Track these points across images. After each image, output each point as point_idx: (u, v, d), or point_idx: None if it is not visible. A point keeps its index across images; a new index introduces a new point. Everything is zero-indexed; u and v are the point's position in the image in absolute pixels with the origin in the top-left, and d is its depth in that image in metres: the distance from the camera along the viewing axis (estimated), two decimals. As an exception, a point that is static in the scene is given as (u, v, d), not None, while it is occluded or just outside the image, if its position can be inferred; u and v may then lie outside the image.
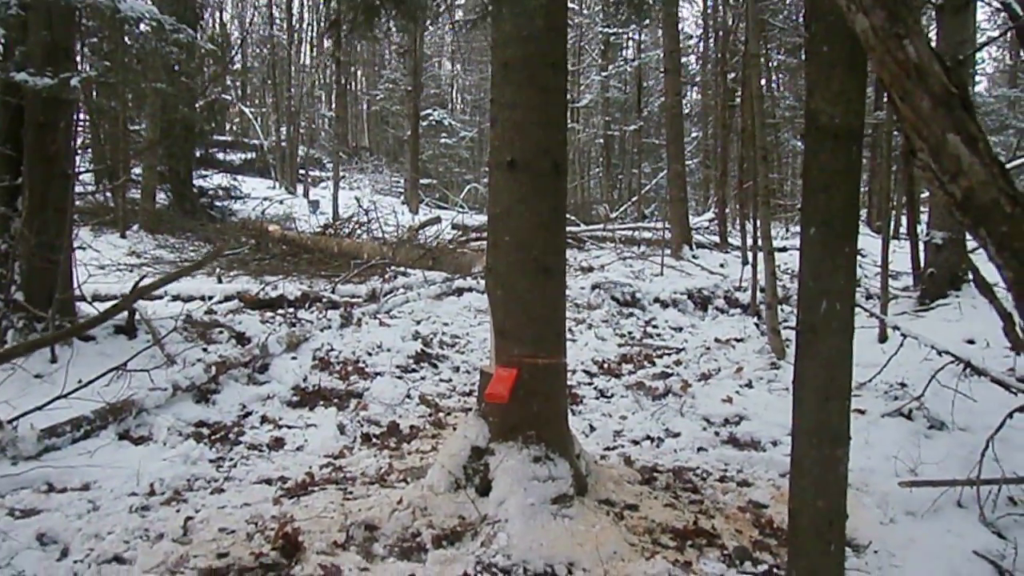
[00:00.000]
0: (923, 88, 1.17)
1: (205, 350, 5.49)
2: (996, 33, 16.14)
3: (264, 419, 4.58)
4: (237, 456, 3.98)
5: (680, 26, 16.79)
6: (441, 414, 4.86)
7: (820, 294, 1.88)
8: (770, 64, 18.67)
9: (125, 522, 3.08)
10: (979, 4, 8.34)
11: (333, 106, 28.72)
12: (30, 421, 3.85)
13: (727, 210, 14.61)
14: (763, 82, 10.82)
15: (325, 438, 4.27)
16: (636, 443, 4.49)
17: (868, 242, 8.89)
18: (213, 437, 4.23)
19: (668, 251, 11.02)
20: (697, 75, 23.37)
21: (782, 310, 7.20)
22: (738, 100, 16.56)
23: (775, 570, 2.92)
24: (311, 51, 32.86)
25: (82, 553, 2.83)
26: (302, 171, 25.10)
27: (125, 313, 5.63)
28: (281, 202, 18.12)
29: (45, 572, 2.68)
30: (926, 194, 10.97)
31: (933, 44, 7.08)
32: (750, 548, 3.11)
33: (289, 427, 4.49)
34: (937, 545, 3.19)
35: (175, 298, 7.69)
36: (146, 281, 6.50)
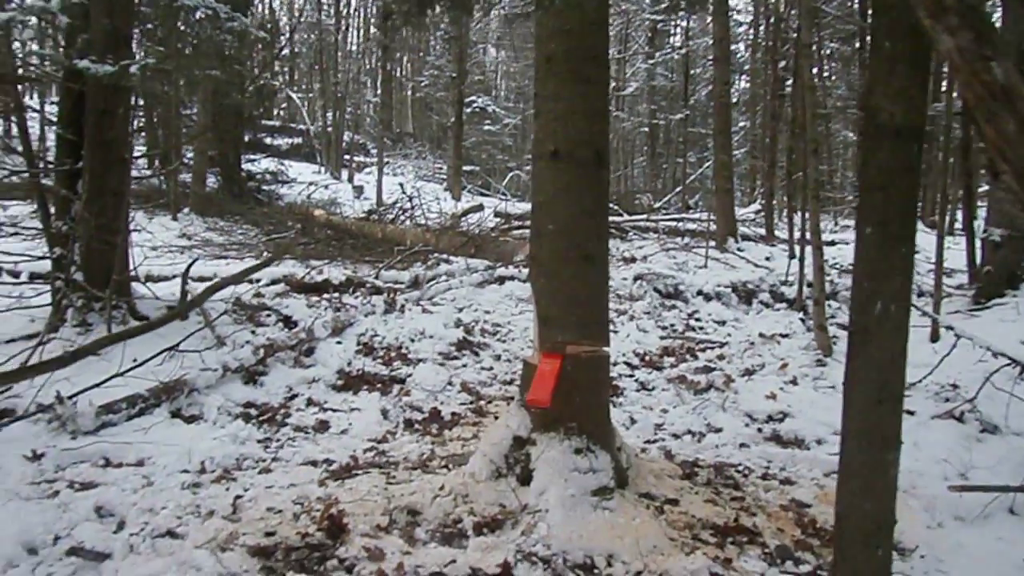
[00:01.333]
0: (1010, 111, 1.13)
1: (253, 332, 5.62)
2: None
3: (310, 402, 4.68)
4: (284, 437, 4.08)
5: (730, 13, 16.44)
6: (482, 402, 4.90)
7: (874, 295, 1.84)
8: (822, 52, 18.20)
9: (178, 498, 3.19)
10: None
11: (379, 92, 28.92)
12: (88, 398, 4.00)
13: (774, 202, 14.33)
14: (815, 71, 10.52)
15: (369, 422, 4.34)
16: (677, 437, 4.47)
17: (922, 238, 8.60)
18: (261, 418, 4.34)
19: (712, 243, 10.87)
20: (746, 63, 22.90)
21: (829, 306, 7.07)
22: (787, 89, 16.19)
23: (818, 571, 2.88)
24: (358, 37, 33.12)
25: (137, 526, 2.94)
26: (347, 156, 25.37)
27: (177, 295, 5.81)
28: (326, 187, 18.36)
29: (103, 543, 2.78)
30: (984, 187, 10.62)
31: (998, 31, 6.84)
32: (792, 547, 3.08)
33: (334, 410, 4.57)
34: (986, 552, 3.12)
35: (224, 280, 7.88)
36: (198, 264, 6.69)
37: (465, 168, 24.44)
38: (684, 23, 25.06)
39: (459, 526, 3.03)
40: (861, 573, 1.87)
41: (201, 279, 6.92)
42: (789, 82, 15.19)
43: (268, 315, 6.10)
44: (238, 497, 3.21)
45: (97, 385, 4.15)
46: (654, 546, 2.94)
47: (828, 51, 19.56)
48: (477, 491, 3.20)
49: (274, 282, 7.77)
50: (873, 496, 1.86)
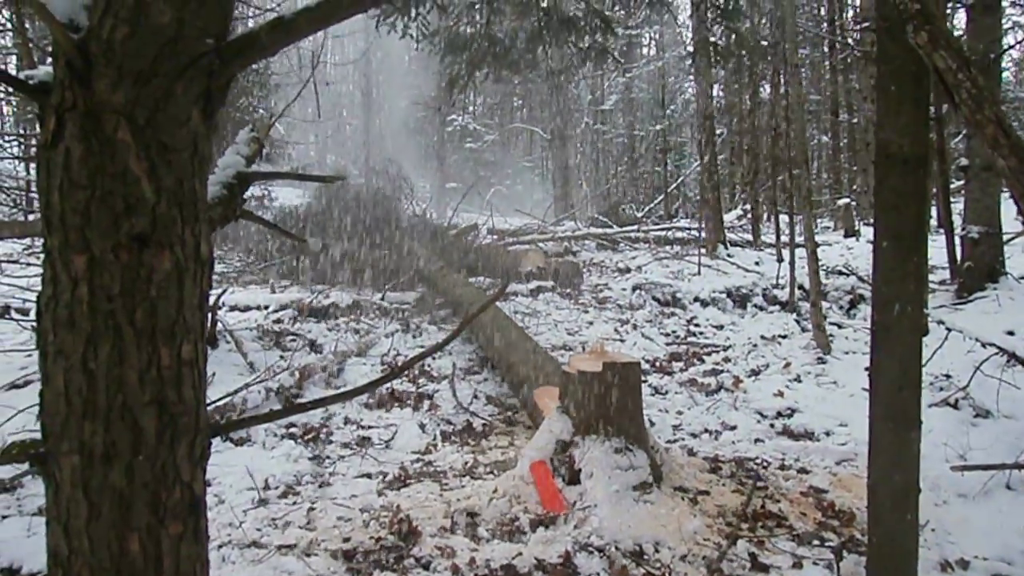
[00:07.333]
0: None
1: (282, 357, 5.87)
2: None
3: (347, 420, 4.94)
4: (333, 454, 4.34)
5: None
6: (509, 413, 5.19)
7: (893, 298, 2.17)
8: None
9: (253, 513, 3.45)
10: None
11: (360, 114, 29.18)
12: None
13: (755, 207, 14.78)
14: (781, 77, 10.98)
15: (409, 436, 4.62)
16: (695, 436, 4.79)
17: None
18: (306, 437, 4.59)
19: (703, 250, 11.25)
20: (720, 71, 23.49)
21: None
22: (762, 95, 16.71)
23: (843, 548, 3.20)
24: (334, 59, 33.40)
25: (222, 539, 3.20)
26: (331, 179, 25.50)
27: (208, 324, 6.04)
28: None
29: (197, 556, 3.04)
30: (956, 183, 11.11)
31: (964, 42, 7.29)
32: (816, 528, 3.40)
33: (372, 427, 4.84)
34: (989, 523, 3.45)
35: (232, 308, 8.08)
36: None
37: (448, 185, 24.78)
38: (656, 36, 25.70)
39: (516, 524, 3.32)
40: (894, 535, 2.19)
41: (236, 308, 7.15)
42: (763, 86, 15.69)
43: (293, 340, 6.35)
44: (310, 509, 3.47)
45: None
46: (694, 532, 3.25)
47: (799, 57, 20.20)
48: (528, 492, 3.49)
49: (282, 307, 7.99)
50: (901, 469, 2.18)
